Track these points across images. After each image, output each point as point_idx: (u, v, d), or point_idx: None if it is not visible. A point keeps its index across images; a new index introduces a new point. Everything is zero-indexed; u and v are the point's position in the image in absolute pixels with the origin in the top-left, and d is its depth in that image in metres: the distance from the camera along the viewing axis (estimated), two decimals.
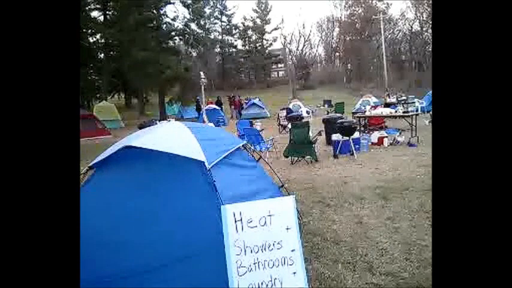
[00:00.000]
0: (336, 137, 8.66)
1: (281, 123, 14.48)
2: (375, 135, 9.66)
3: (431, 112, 12.96)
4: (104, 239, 2.83)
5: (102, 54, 21.57)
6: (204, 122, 15.90)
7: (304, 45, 48.34)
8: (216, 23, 44.38)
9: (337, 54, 50.27)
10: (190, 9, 23.82)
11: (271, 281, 2.41)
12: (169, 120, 3.84)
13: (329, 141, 9.31)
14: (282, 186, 4.23)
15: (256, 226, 2.47)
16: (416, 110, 12.28)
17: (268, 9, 47.10)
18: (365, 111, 12.25)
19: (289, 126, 9.90)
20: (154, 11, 22.21)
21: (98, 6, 22.62)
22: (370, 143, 9.39)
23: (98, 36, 21.17)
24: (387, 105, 14.06)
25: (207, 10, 29.11)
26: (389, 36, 42.06)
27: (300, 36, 47.84)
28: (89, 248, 2.53)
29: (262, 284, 2.40)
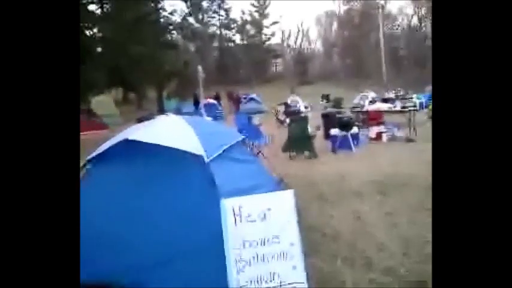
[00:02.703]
0: (334, 132, 8.65)
1: (279, 118, 14.45)
2: (373, 131, 9.66)
3: (430, 108, 12.98)
4: (102, 235, 2.81)
5: (99, 48, 21.38)
6: (202, 116, 15.84)
7: (302, 40, 48.21)
8: (213, 17, 44.14)
9: (335, 49, 50.12)
10: (188, 3, 23.66)
11: (270, 275, 2.40)
12: (167, 115, 3.80)
13: (327, 136, 9.30)
14: (281, 181, 4.21)
15: (255, 220, 2.46)
16: (415, 106, 12.27)
17: (266, 4, 46.84)
18: (363, 107, 12.25)
19: (288, 121, 9.87)
20: (152, 5, 22.04)
21: None
22: (368, 138, 9.40)
23: (95, 29, 20.98)
24: (385, 100, 14.05)
25: (205, 4, 28.95)
26: (388, 31, 41.94)
27: (298, 31, 47.69)
28: (87, 245, 2.51)
29: (261, 278, 2.39)
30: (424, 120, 11.68)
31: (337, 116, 9.32)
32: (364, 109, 11.38)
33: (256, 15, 46.98)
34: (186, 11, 24.13)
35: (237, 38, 47.98)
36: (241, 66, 47.77)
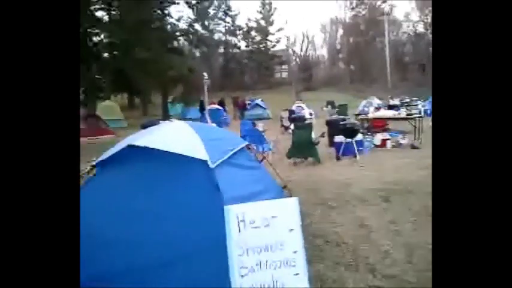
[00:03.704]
0: (338, 138, 8.64)
1: (284, 124, 14.45)
2: (377, 138, 9.64)
3: None
4: (106, 238, 2.83)
5: (106, 54, 21.58)
6: (207, 122, 15.89)
7: (307, 47, 48.33)
8: (220, 24, 44.38)
9: (341, 55, 50.19)
10: (194, 10, 23.86)
11: (273, 282, 2.41)
12: (171, 121, 3.86)
13: (332, 142, 9.29)
14: (285, 187, 4.22)
15: (259, 227, 2.47)
16: (419, 113, 12.22)
17: (272, 11, 47.10)
18: (368, 113, 12.22)
19: (292, 127, 9.88)
20: (159, 11, 22.23)
21: (103, 6, 22.66)
22: (373, 145, 9.37)
23: (102, 35, 21.19)
24: (390, 107, 14.02)
25: (211, 11, 29.15)
26: (393, 37, 41.98)
27: (304, 38, 47.83)
28: (91, 247, 2.53)
29: (264, 285, 2.39)
30: (428, 127, 11.63)
31: (342, 122, 9.30)
32: (369, 116, 11.35)
33: (262, 22, 47.21)
34: (193, 17, 24.32)
35: (243, 45, 48.22)
36: (247, 72, 47.94)
